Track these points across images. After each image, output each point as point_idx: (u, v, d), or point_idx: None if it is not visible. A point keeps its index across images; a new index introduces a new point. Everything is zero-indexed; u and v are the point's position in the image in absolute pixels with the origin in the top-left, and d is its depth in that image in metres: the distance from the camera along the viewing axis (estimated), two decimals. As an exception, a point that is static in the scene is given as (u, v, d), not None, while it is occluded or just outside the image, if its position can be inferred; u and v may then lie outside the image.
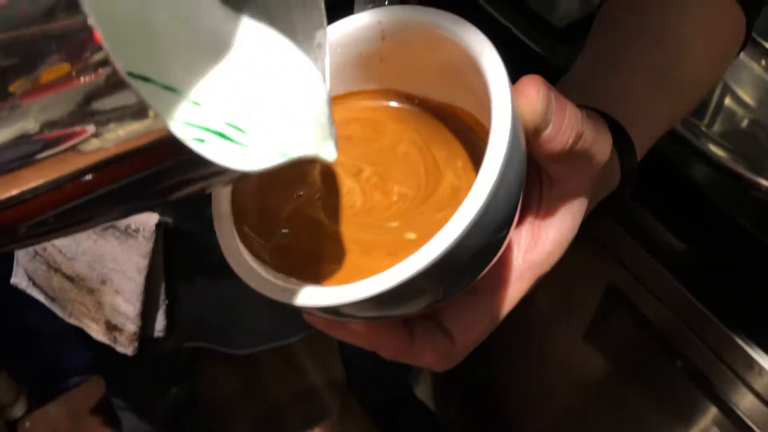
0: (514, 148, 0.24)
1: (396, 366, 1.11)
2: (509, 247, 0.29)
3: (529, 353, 0.94)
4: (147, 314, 0.59)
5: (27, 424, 1.32)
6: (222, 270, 0.27)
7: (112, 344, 0.62)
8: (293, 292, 0.25)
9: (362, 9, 0.33)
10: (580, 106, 0.27)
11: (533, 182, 0.29)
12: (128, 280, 0.57)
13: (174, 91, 0.21)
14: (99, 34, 0.15)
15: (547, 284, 0.31)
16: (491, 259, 0.26)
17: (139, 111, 0.16)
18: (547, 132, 0.26)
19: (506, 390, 1.07)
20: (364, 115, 0.32)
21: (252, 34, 0.25)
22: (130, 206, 0.22)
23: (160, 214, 0.53)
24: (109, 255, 0.55)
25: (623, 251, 0.66)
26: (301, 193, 0.30)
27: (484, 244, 0.24)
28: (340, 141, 0.28)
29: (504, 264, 0.29)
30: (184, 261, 0.57)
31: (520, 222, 0.29)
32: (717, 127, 0.64)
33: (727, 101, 0.67)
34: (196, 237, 0.53)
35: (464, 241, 0.23)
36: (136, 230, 0.53)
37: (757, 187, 0.56)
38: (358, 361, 1.18)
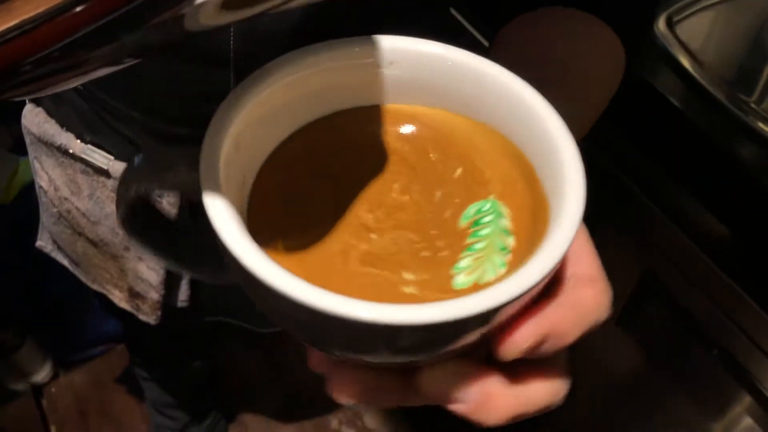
0: None
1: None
2: None
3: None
4: (170, 283, 0.58)
5: (52, 390, 1.34)
6: None
7: (135, 312, 0.61)
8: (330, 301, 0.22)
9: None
10: None
11: None
12: (152, 247, 0.56)
13: None
14: None
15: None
16: None
17: None
18: None
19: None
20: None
21: None
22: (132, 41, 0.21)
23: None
24: (133, 220, 0.54)
25: (661, 235, 0.63)
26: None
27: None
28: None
29: None
30: (210, 226, 0.56)
31: None
32: (766, 104, 0.61)
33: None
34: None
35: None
36: (161, 195, 0.52)
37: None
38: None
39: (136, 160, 0.26)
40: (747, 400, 0.66)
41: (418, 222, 0.27)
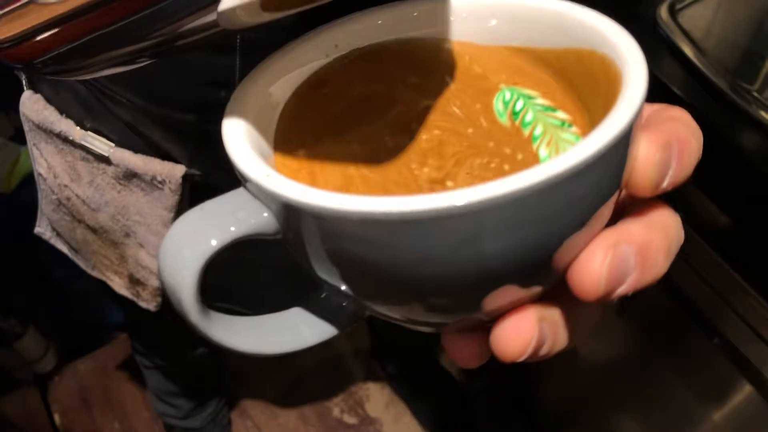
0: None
1: (422, 334, 1.10)
2: None
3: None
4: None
5: (56, 378, 1.35)
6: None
7: (135, 299, 0.61)
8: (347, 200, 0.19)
9: None
10: None
11: None
12: (152, 234, 0.56)
13: None
14: None
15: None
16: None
17: None
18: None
19: (534, 365, 1.06)
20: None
21: None
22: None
23: (188, 166, 0.51)
24: (134, 207, 0.54)
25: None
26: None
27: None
28: None
29: None
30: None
31: None
32: (769, 93, 0.61)
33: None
34: (224, 191, 0.52)
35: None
36: (162, 182, 0.51)
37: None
38: (385, 328, 1.17)
39: None
40: (748, 388, 0.66)
41: (468, 145, 0.26)
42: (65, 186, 0.56)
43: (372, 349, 1.32)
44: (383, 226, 0.19)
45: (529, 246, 0.20)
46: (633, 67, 0.23)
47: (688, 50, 0.62)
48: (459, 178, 0.25)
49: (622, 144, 0.21)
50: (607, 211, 0.22)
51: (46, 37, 0.21)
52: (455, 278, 0.21)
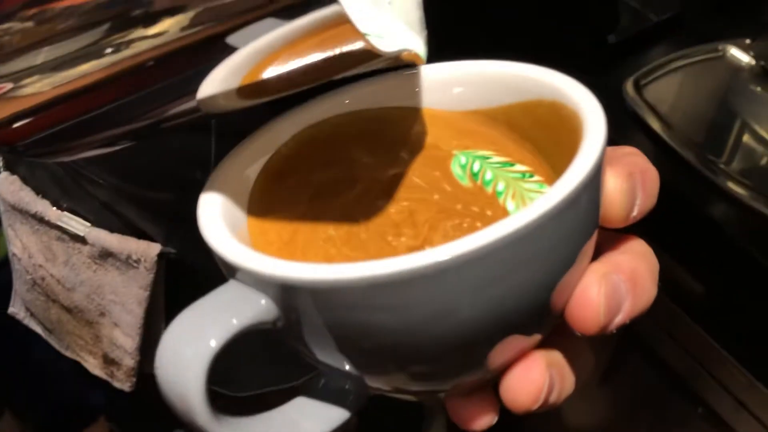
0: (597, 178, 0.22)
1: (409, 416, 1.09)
2: None
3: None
4: (146, 348, 0.58)
5: (31, 464, 1.30)
6: None
7: (109, 379, 0.60)
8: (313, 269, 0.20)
9: None
10: None
11: None
12: (128, 313, 0.55)
13: None
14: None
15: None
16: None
17: None
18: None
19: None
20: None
21: None
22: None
23: (163, 244, 0.52)
24: (109, 286, 0.54)
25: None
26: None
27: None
28: None
29: None
30: (186, 294, 0.56)
31: None
32: (736, 164, 0.62)
33: (746, 138, 0.66)
34: (199, 269, 0.52)
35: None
36: (137, 261, 0.52)
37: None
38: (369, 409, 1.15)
39: None
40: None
41: (438, 210, 0.27)
42: (40, 266, 0.56)
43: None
44: (390, 287, 0.20)
45: (531, 284, 0.21)
46: (587, 107, 0.24)
47: (654, 124, 0.64)
48: (436, 241, 0.25)
49: (597, 177, 0.22)
50: (593, 245, 0.23)
51: (30, 121, 0.22)
52: (471, 333, 0.21)
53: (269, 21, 0.19)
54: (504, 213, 0.26)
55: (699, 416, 0.65)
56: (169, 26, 0.19)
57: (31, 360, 1.23)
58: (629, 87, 0.67)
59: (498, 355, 0.23)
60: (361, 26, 0.19)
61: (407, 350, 0.22)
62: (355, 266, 0.20)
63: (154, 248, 0.51)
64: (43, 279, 0.57)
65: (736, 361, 0.59)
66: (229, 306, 0.22)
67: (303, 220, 0.27)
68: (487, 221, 0.26)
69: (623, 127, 0.65)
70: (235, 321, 0.22)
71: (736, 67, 0.71)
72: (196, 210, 0.25)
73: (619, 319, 0.23)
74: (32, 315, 0.63)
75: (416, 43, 0.27)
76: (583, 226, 0.22)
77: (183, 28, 0.19)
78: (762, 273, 0.55)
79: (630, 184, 0.23)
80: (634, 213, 0.24)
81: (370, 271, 0.19)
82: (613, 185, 0.23)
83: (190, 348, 0.21)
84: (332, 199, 0.28)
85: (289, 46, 0.20)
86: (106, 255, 0.52)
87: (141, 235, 0.52)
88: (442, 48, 0.29)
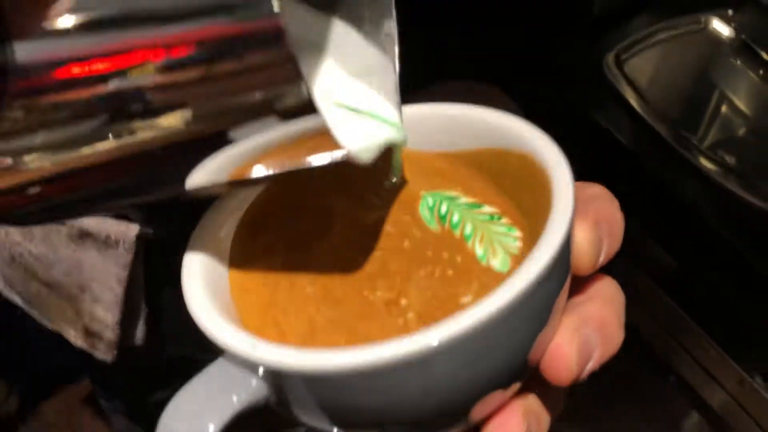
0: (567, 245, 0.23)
1: None
2: None
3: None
4: (127, 323, 0.58)
5: (18, 423, 1.32)
6: None
7: (91, 350, 0.61)
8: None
9: None
10: None
11: None
12: (108, 290, 0.56)
13: None
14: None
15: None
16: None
17: None
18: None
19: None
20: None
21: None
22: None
23: (141, 225, 0.52)
24: (88, 264, 0.54)
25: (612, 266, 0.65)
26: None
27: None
28: None
29: None
30: (165, 271, 0.56)
31: None
32: (711, 140, 0.63)
33: (724, 113, 0.66)
34: (177, 248, 0.52)
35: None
36: (117, 241, 0.52)
37: (748, 204, 0.55)
38: None
39: None
40: (701, 420, 0.68)
41: (409, 260, 0.27)
42: (18, 243, 0.56)
43: None
44: (376, 375, 0.21)
45: (511, 351, 0.23)
46: (556, 165, 0.25)
47: (632, 99, 0.64)
48: (411, 294, 0.26)
49: (568, 244, 0.23)
50: (565, 299, 0.24)
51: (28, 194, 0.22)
52: (454, 400, 0.23)
53: (269, 119, 0.20)
54: (473, 260, 0.26)
55: (669, 385, 0.67)
56: (172, 120, 0.20)
57: (14, 326, 1.24)
58: (610, 61, 0.67)
59: (479, 410, 0.24)
60: (341, 134, 0.21)
61: (392, 418, 0.23)
62: (343, 355, 0.21)
63: (132, 229, 0.51)
64: (21, 255, 0.57)
65: (705, 333, 0.61)
66: (223, 389, 0.23)
67: (281, 274, 0.28)
68: (458, 269, 0.26)
69: (602, 102, 0.65)
70: (230, 405, 0.23)
71: (717, 41, 0.70)
72: (180, 271, 0.26)
73: (590, 367, 0.25)
74: (12, 287, 0.63)
75: (391, 114, 0.27)
76: (558, 287, 0.23)
77: (187, 123, 0.20)
78: (731, 250, 0.56)
79: (596, 235, 0.24)
80: (601, 260, 0.25)
81: (356, 360, 0.20)
82: (581, 237, 0.24)
83: None
84: (306, 253, 0.29)
85: (277, 151, 0.21)
86: (84, 235, 0.52)
87: (119, 215, 0.52)
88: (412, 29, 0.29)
